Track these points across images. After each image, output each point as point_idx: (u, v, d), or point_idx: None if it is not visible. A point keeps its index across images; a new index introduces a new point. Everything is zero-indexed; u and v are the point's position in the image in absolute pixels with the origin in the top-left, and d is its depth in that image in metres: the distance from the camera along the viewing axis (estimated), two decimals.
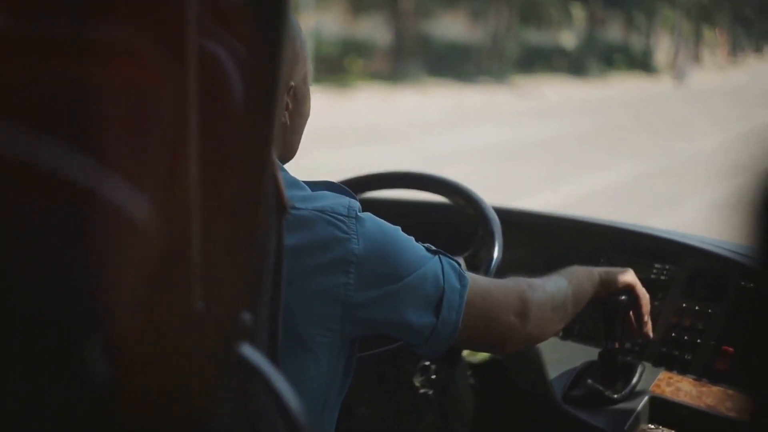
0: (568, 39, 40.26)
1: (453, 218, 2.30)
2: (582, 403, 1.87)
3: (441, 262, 1.42)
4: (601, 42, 42.06)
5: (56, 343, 0.53)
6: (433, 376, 2.00)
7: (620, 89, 31.80)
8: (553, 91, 29.04)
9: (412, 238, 1.43)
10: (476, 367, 2.28)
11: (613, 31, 46.00)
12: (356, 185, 2.12)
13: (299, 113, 1.50)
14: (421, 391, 2.04)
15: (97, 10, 0.54)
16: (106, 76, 0.53)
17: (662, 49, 48.59)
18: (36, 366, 0.53)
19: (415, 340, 1.42)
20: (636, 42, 47.61)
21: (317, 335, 1.35)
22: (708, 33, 55.91)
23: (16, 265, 0.50)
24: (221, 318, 0.64)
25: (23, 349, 0.52)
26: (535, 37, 39.10)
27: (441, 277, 1.40)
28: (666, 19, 48.25)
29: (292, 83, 1.45)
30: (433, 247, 1.44)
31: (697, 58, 52.50)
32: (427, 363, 1.98)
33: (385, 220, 1.40)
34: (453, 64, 32.18)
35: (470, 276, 1.44)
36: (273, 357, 0.72)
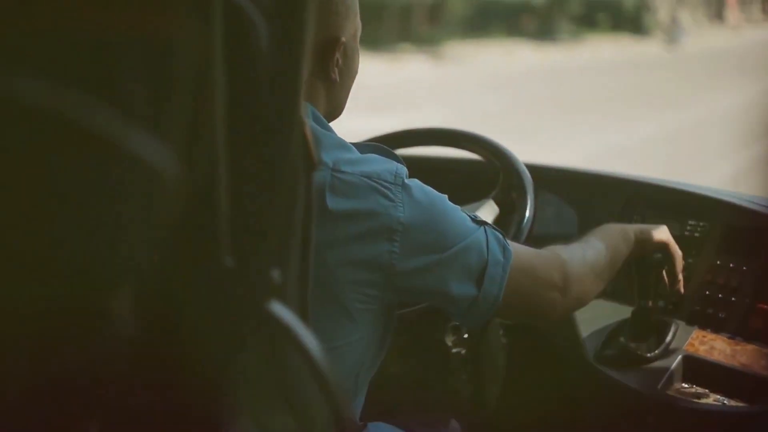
0: None
1: (483, 174, 2.28)
2: (614, 362, 1.87)
3: (486, 233, 1.40)
4: None
5: (84, 296, 0.53)
6: (465, 335, 2.00)
7: (589, 55, 26.47)
8: (494, 59, 23.15)
9: (458, 207, 1.41)
10: (508, 327, 2.27)
11: None
12: (387, 142, 2.11)
13: (348, 70, 1.48)
14: (453, 350, 2.03)
15: None
16: (130, 26, 0.52)
17: (668, 5, 42.01)
18: (64, 319, 0.52)
19: (455, 310, 1.42)
20: None
21: (357, 301, 1.34)
22: None
23: (42, 217, 0.49)
24: (250, 274, 0.63)
25: (51, 301, 0.51)
26: None
27: (485, 249, 1.39)
28: None
29: (343, 39, 1.43)
30: (479, 217, 1.43)
31: (720, 16, 47.41)
32: (457, 322, 1.98)
33: (417, 177, 1.39)
34: (366, 28, 28.24)
35: (513, 248, 1.43)
36: (303, 315, 0.72)
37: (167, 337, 0.60)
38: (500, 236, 1.43)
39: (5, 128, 0.47)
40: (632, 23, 36.16)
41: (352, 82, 1.51)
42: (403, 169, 1.36)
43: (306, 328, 0.66)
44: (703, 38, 35.41)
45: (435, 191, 1.39)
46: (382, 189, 1.32)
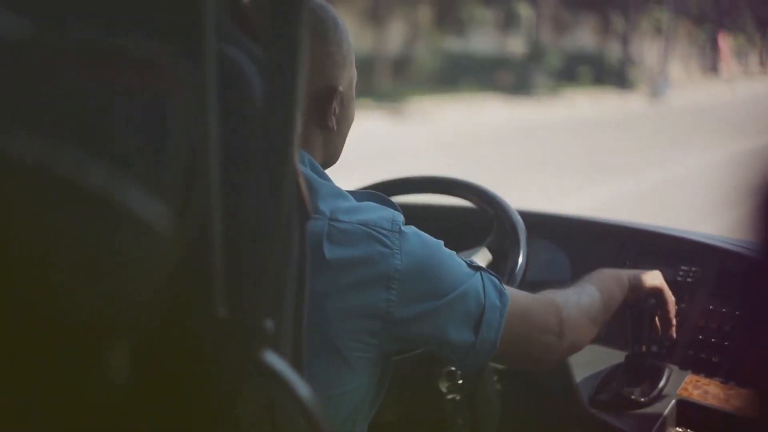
0: (517, 47, 31.23)
1: (475, 221, 2.29)
2: (609, 406, 1.87)
3: (482, 278, 1.41)
4: (564, 50, 33.35)
5: (78, 348, 0.53)
6: (460, 381, 1.99)
7: (565, 110, 24.36)
8: (459, 116, 21.25)
9: (454, 253, 1.42)
10: (502, 372, 2.27)
11: (583, 38, 36.80)
12: (381, 190, 2.12)
13: (345, 118, 1.49)
14: (448, 396, 2.03)
15: (115, 15, 0.54)
16: (124, 82, 0.53)
17: (654, 59, 39.61)
18: (59, 370, 0.53)
19: (453, 356, 1.42)
20: (615, 51, 38.28)
21: (355, 349, 1.34)
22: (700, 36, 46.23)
23: (36, 271, 0.50)
24: (244, 324, 0.64)
25: (45, 354, 0.52)
26: (466, 44, 29.51)
27: (482, 294, 1.39)
28: (657, 23, 39.08)
29: (340, 88, 1.44)
30: (475, 263, 1.43)
31: (714, 68, 45.07)
32: (453, 368, 1.97)
33: (412, 224, 1.40)
34: None
35: (510, 293, 1.44)
36: (297, 364, 0.72)
37: (161, 386, 0.60)
38: (497, 281, 1.43)
39: (1, 182, 0.48)
40: (616, 77, 34.34)
41: (349, 129, 1.52)
42: (400, 217, 1.37)
43: (300, 378, 0.66)
44: (692, 92, 34.31)
45: (431, 238, 1.40)
46: (379, 236, 1.32)
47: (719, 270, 1.96)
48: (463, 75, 27.18)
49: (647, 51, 38.03)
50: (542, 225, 2.27)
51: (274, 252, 0.66)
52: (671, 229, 2.18)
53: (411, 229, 1.37)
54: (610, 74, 34.41)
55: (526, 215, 1.95)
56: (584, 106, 25.87)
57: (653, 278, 1.75)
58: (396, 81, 25.14)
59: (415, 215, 1.60)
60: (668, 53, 38.16)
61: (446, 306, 1.36)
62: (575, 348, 1.60)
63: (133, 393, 0.57)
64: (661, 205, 9.81)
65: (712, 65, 45.20)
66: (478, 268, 1.42)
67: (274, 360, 0.65)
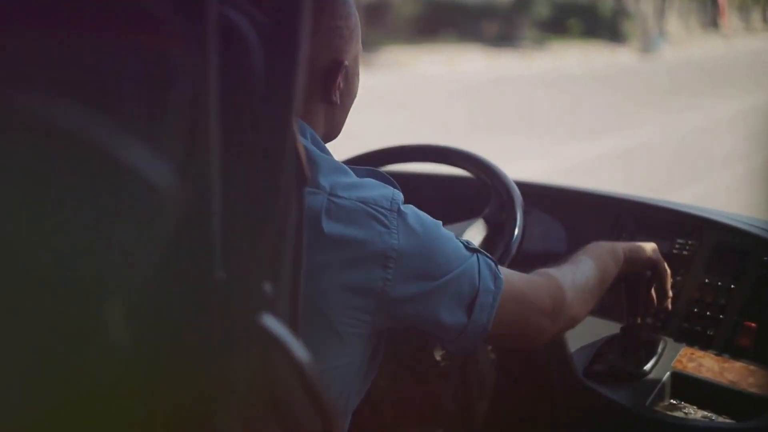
0: None
1: (472, 192, 2.29)
2: (603, 378, 1.87)
3: (479, 261, 1.41)
4: (553, 1, 31.04)
5: (77, 307, 0.53)
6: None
7: (550, 63, 23.37)
8: (435, 68, 20.11)
9: (452, 235, 1.42)
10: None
11: None
12: (378, 158, 2.12)
13: (349, 92, 1.49)
14: (442, 364, 2.04)
15: None
16: (127, 41, 0.53)
17: (650, 12, 36.88)
18: (59, 328, 0.53)
19: (444, 336, 1.43)
20: (608, 2, 35.44)
21: (348, 325, 1.35)
22: None
23: (37, 227, 0.50)
24: (242, 287, 0.64)
25: (45, 312, 0.52)
26: None
27: (477, 277, 1.39)
28: None
29: (346, 62, 1.43)
30: (472, 244, 1.44)
31: (715, 24, 43.17)
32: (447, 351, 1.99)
33: (408, 193, 1.40)
34: None
35: (505, 275, 1.44)
36: (293, 329, 0.72)
37: (159, 347, 0.60)
38: (492, 264, 1.43)
39: (3, 139, 0.48)
40: (609, 30, 32.65)
41: (352, 104, 1.52)
42: (399, 195, 1.37)
43: (297, 341, 0.66)
44: (688, 47, 33.31)
45: (430, 218, 1.40)
46: (378, 215, 1.32)
47: (715, 243, 1.96)
48: (444, 24, 26.02)
49: (643, 4, 36.56)
50: (539, 196, 2.27)
51: (272, 216, 0.66)
52: (668, 202, 2.18)
53: (410, 209, 1.37)
54: (603, 27, 32.80)
55: (523, 186, 1.95)
56: (570, 60, 24.93)
57: (649, 250, 1.75)
58: (370, 29, 22.43)
59: (412, 184, 1.60)
60: (665, 6, 36.91)
61: (441, 287, 1.37)
62: (570, 325, 1.61)
63: (132, 353, 0.57)
64: (623, 174, 9.19)
65: (712, 20, 43.90)
66: (475, 251, 1.42)
67: (272, 323, 0.65)
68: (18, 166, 0.48)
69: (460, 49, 23.34)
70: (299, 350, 0.66)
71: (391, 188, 1.38)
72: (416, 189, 1.49)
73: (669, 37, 34.25)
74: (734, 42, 37.02)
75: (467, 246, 1.42)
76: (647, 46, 29.45)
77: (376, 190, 1.36)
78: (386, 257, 1.33)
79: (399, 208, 1.35)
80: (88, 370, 0.55)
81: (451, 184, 2.48)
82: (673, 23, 38.73)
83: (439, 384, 2.14)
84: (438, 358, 2.01)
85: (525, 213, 1.88)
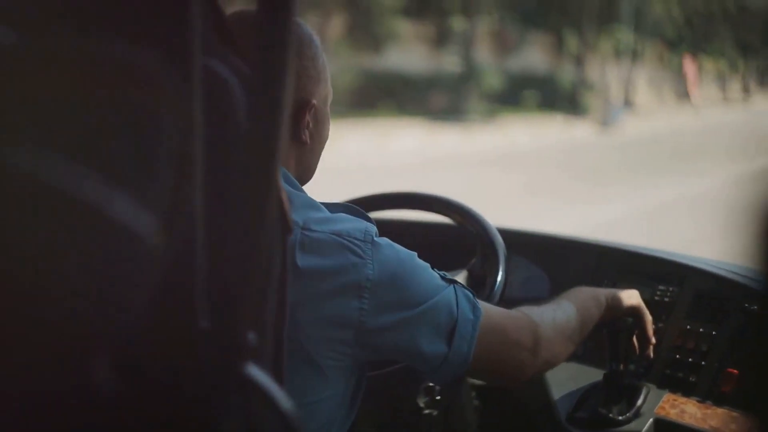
0: (453, 66, 26.90)
1: (456, 239, 2.30)
2: (586, 425, 1.87)
3: (455, 291, 1.41)
4: (507, 71, 28.79)
5: (66, 355, 0.53)
6: (438, 397, 1.99)
7: (495, 139, 21.44)
8: (363, 144, 17.79)
9: (428, 265, 1.42)
10: (480, 388, 2.27)
11: (532, 58, 31.82)
12: (360, 205, 2.12)
13: (319, 134, 1.50)
14: (425, 411, 2.03)
15: (104, 28, 0.54)
16: (113, 94, 0.53)
17: (616, 83, 34.08)
18: (47, 377, 0.53)
19: (425, 368, 1.42)
20: (570, 73, 33.10)
21: (328, 358, 1.35)
22: (672, 60, 40.85)
23: (25, 278, 0.50)
24: (226, 337, 0.64)
25: (31, 363, 0.52)
26: (386, 61, 25.08)
27: (455, 306, 1.40)
28: (619, 44, 34.27)
29: (314, 101, 1.45)
30: (449, 276, 1.44)
31: (686, 94, 39.71)
32: (432, 383, 1.98)
33: (388, 239, 1.40)
34: None
35: (484, 308, 1.44)
36: (278, 377, 0.72)
37: (144, 396, 0.60)
38: (470, 295, 1.43)
39: None
40: (569, 101, 29.97)
41: (323, 146, 1.53)
42: (373, 228, 1.38)
43: (281, 391, 0.66)
44: (655, 119, 31.24)
45: (405, 249, 1.40)
46: (352, 246, 1.33)
47: (696, 290, 1.97)
48: (385, 97, 23.81)
49: (609, 74, 34.04)
50: (521, 243, 2.28)
51: (257, 265, 0.67)
52: (649, 249, 2.19)
53: (384, 240, 1.38)
54: (562, 99, 30.44)
55: (505, 233, 1.95)
56: (519, 135, 22.73)
57: (631, 297, 1.76)
58: None
59: (395, 231, 1.60)
60: (630, 77, 35.32)
61: (418, 316, 1.37)
62: (550, 365, 1.61)
63: (116, 402, 0.57)
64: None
65: (687, 90, 40.87)
66: (451, 281, 1.43)
67: (256, 373, 0.65)
68: (6, 218, 0.49)
69: (400, 123, 21.53)
70: (284, 400, 0.66)
71: (365, 222, 1.39)
72: (400, 236, 1.50)
73: (636, 109, 32.84)
74: (707, 114, 35.59)
75: (444, 277, 1.43)
76: (607, 119, 27.25)
77: (350, 223, 1.37)
78: (361, 288, 1.33)
79: (373, 239, 1.36)
80: (74, 417, 0.55)
81: (435, 231, 2.49)
82: (643, 94, 37.45)
83: (422, 430, 2.13)
84: (421, 404, 2.01)
85: (507, 260, 1.88)
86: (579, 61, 33.41)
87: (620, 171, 15.59)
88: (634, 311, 1.76)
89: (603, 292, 1.73)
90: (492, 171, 15.07)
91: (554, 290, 1.94)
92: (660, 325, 1.94)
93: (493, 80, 27.71)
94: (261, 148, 0.65)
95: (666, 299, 2.00)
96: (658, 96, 39.67)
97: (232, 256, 0.64)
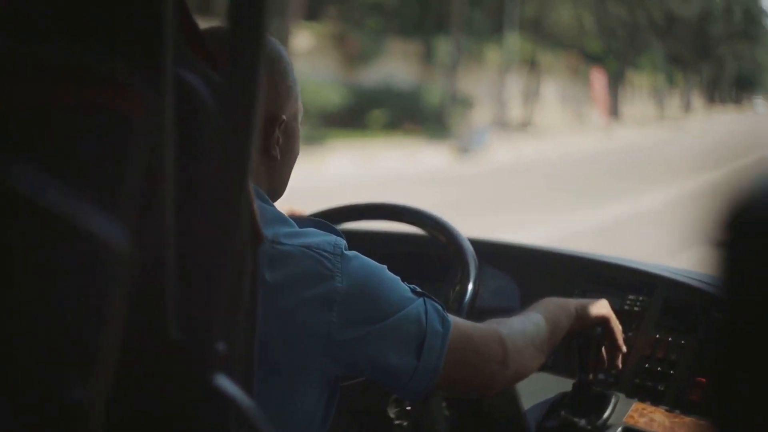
0: None
1: (427, 249, 2.30)
2: None
3: (425, 304, 1.42)
4: (352, 86, 24.62)
5: (32, 367, 0.53)
6: (408, 408, 2.00)
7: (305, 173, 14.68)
8: None
9: (398, 278, 1.43)
10: (450, 399, 2.27)
11: (393, 69, 27.24)
12: (330, 217, 2.12)
13: (289, 149, 1.50)
14: (396, 422, 2.03)
15: (76, 36, 0.54)
16: (83, 102, 0.53)
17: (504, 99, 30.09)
18: (11, 392, 0.53)
19: (395, 382, 1.42)
20: (443, 88, 28.06)
21: (298, 371, 1.35)
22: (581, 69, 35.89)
23: None
24: (196, 347, 0.64)
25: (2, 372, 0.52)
26: None
27: (424, 319, 1.40)
28: (510, 54, 30.15)
29: (284, 117, 1.46)
30: (418, 289, 1.44)
31: (615, 112, 36.03)
32: (398, 397, 1.98)
33: (359, 251, 1.41)
34: None
35: (454, 321, 1.45)
36: (248, 388, 0.72)
37: (113, 407, 0.60)
38: (440, 308, 1.44)
39: None
40: (434, 121, 25.88)
41: (294, 162, 1.53)
42: (342, 242, 1.38)
43: (251, 401, 0.66)
44: (544, 142, 27.08)
45: (374, 262, 1.41)
46: (321, 259, 1.34)
47: (665, 299, 1.98)
48: None
49: (500, 89, 29.04)
50: (492, 253, 2.29)
51: (228, 275, 0.67)
52: (619, 259, 2.21)
53: (353, 253, 1.39)
54: (427, 118, 26.17)
55: (476, 243, 1.96)
56: (337, 166, 18.76)
57: (600, 307, 1.77)
58: None
59: (366, 242, 1.60)
60: (529, 92, 30.72)
61: (387, 329, 1.37)
62: (520, 376, 1.61)
63: (87, 414, 0.57)
64: None
65: (612, 107, 36.36)
66: (421, 294, 1.43)
67: (226, 384, 0.65)
68: None
69: None
70: (253, 410, 0.66)
71: (334, 236, 1.39)
72: (371, 247, 1.50)
73: (533, 129, 28.95)
74: (619, 134, 31.43)
75: (413, 290, 1.43)
76: (468, 144, 23.15)
77: (319, 237, 1.38)
78: (330, 300, 1.33)
79: (342, 252, 1.36)
80: (46, 427, 0.55)
81: (407, 242, 2.49)
82: (550, 111, 33.04)
83: None
84: (392, 415, 2.01)
85: (478, 270, 1.89)
86: (450, 73, 28.33)
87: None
88: (604, 320, 1.77)
89: (572, 303, 1.74)
90: None
91: (524, 300, 1.94)
92: (630, 334, 1.95)
93: (330, 96, 23.47)
94: (232, 159, 0.65)
95: (636, 309, 2.01)
96: (568, 114, 35.80)
97: (202, 267, 0.64)
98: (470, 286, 1.84)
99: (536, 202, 14.15)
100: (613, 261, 2.19)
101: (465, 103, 28.89)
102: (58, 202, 0.51)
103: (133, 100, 0.56)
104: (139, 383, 0.62)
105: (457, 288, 1.87)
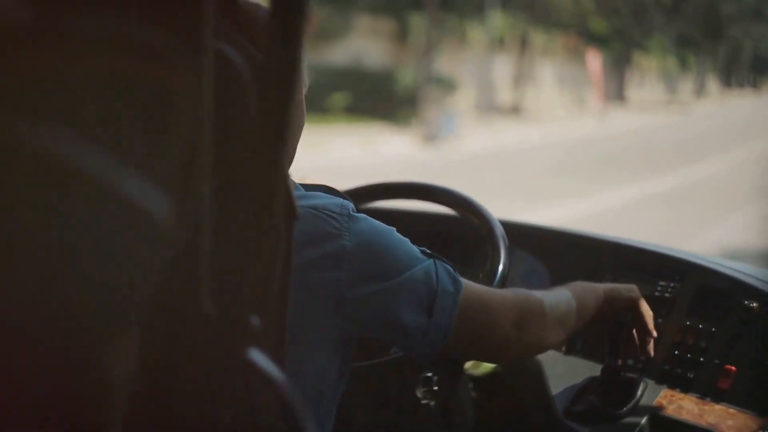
0: None
1: (458, 230, 2.30)
2: (583, 418, 1.87)
3: (435, 264, 1.42)
4: (318, 66, 22.60)
5: (69, 339, 0.53)
6: (435, 388, 2.00)
7: None
8: None
9: (407, 240, 1.44)
10: (478, 380, 2.28)
11: (364, 49, 25.63)
12: (361, 195, 2.13)
13: (297, 121, 1.51)
14: (423, 402, 2.03)
15: (116, 7, 0.54)
16: (124, 73, 0.53)
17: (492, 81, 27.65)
18: (47, 364, 0.53)
19: (406, 341, 1.43)
20: (419, 69, 25.28)
21: (310, 331, 1.35)
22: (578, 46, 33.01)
23: (32, 258, 0.50)
24: (230, 321, 0.64)
25: (36, 346, 0.52)
26: None
27: (434, 279, 1.40)
28: (494, 32, 27.66)
29: None
30: (428, 251, 1.45)
31: (621, 96, 34.36)
32: (429, 374, 1.98)
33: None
34: None
35: (466, 283, 1.45)
36: (280, 362, 0.72)
37: (148, 379, 0.60)
38: (450, 269, 1.44)
39: (2, 170, 0.48)
40: (407, 106, 23.79)
41: (300, 133, 1.54)
42: (349, 204, 1.40)
43: (284, 375, 0.66)
44: (532, 128, 25.43)
45: (382, 224, 1.42)
46: (328, 218, 1.35)
47: (697, 287, 1.97)
48: None
49: (483, 71, 27.07)
50: (523, 236, 2.28)
51: (262, 250, 0.67)
52: (651, 245, 2.19)
53: (361, 215, 1.40)
54: (402, 102, 24.29)
55: (507, 225, 1.96)
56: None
57: (630, 292, 1.76)
58: None
59: (396, 221, 1.60)
60: (520, 75, 28.51)
61: (396, 287, 1.38)
62: (537, 347, 1.61)
63: (120, 387, 0.57)
64: None
65: (617, 91, 34.98)
66: (431, 255, 1.44)
67: (259, 358, 0.65)
68: (14, 196, 0.49)
69: None
70: (288, 386, 0.66)
71: (341, 198, 1.41)
72: (402, 226, 1.50)
73: (524, 114, 27.30)
74: (618, 119, 29.46)
75: (423, 251, 1.44)
76: (435, 131, 21.75)
77: (326, 199, 1.39)
78: (339, 258, 1.34)
79: (349, 213, 1.38)
80: (84, 403, 0.55)
81: (435, 221, 2.49)
82: (544, 95, 30.97)
83: (419, 421, 2.13)
84: (419, 395, 2.01)
85: (510, 252, 1.89)
86: (424, 53, 25.42)
87: None
88: (634, 306, 1.76)
89: (602, 287, 1.74)
90: None
91: (554, 284, 1.94)
92: (659, 320, 1.94)
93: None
94: (270, 133, 0.65)
95: (666, 295, 2.00)
96: (566, 98, 33.73)
97: (238, 240, 0.65)
98: (501, 268, 1.84)
99: (488, 198, 12.65)
100: (645, 246, 2.18)
101: (446, 86, 26.71)
102: (100, 171, 0.51)
103: (172, 70, 0.56)
104: (172, 358, 0.62)
105: (488, 268, 1.87)
